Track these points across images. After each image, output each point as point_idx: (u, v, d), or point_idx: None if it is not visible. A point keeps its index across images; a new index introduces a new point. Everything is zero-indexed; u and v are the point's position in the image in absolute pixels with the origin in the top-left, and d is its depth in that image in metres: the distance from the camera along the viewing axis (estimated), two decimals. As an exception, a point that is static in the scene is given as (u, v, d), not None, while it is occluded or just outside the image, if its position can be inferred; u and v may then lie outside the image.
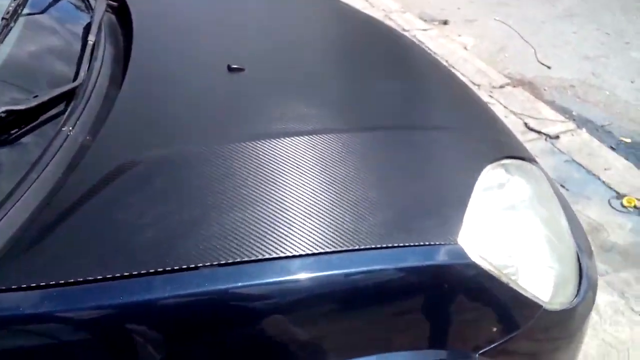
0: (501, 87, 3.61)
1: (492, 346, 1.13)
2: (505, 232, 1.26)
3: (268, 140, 1.19)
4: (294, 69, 1.55)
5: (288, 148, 1.18)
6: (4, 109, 1.06)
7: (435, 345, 1.09)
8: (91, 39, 1.41)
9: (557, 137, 3.13)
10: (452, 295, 1.08)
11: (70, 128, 1.17)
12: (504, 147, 1.49)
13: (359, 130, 1.33)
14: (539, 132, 3.17)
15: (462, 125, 1.53)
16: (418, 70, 1.79)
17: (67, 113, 1.21)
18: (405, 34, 3.89)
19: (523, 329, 1.17)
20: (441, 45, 4.13)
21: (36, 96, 1.15)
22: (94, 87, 1.32)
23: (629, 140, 3.13)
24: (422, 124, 1.48)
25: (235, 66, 1.44)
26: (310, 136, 1.23)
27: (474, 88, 3.38)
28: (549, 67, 3.84)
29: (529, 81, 3.71)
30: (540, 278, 1.21)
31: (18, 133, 1.11)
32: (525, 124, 3.24)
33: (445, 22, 4.52)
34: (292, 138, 1.21)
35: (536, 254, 1.26)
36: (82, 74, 1.30)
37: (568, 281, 1.28)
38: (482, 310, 1.12)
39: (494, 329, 1.14)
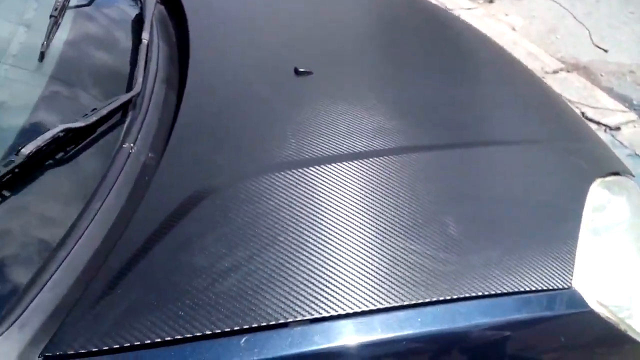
0: (554, 72, 3.39)
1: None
2: (612, 265, 1.11)
3: (346, 167, 1.05)
4: (362, 73, 1.39)
5: (374, 177, 1.04)
6: (62, 127, 0.93)
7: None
8: (145, 37, 1.26)
9: (617, 128, 2.93)
10: (569, 350, 0.94)
11: (132, 145, 1.04)
12: (602, 160, 1.33)
13: (439, 148, 1.18)
14: (597, 123, 2.97)
15: (551, 136, 1.36)
16: (492, 69, 1.62)
17: (126, 126, 1.08)
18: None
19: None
20: (487, 25, 3.89)
21: (94, 109, 1.02)
22: (152, 94, 1.18)
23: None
24: (506, 137, 1.32)
25: (302, 69, 1.29)
26: (393, 157, 1.09)
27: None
28: (605, 51, 3.60)
29: (584, 66, 3.48)
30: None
31: (77, 153, 0.99)
32: (583, 114, 3.03)
33: (491, 1, 4.27)
34: (372, 161, 1.07)
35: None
36: (138, 79, 1.16)
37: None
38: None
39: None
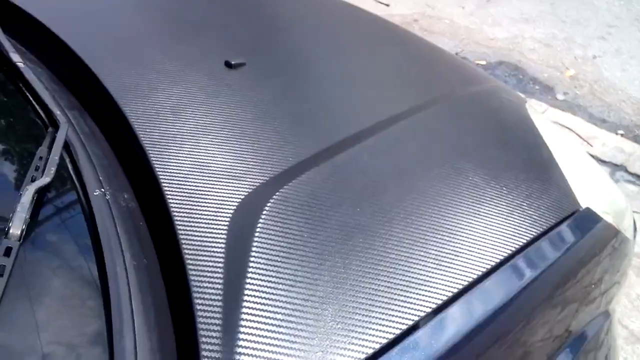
0: (355, 32, 3.58)
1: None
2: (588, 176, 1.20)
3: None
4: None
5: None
6: (33, 189, 0.69)
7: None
8: (17, 60, 0.98)
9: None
10: (591, 264, 1.01)
11: (102, 190, 0.80)
12: (507, 90, 1.43)
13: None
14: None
15: (458, 85, 1.42)
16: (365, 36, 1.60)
17: (75, 170, 0.83)
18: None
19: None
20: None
21: (41, 158, 0.77)
22: (75, 128, 0.93)
23: (484, 62, 3.37)
24: (419, 102, 1.32)
25: (235, 62, 1.13)
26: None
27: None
28: (387, 5, 3.92)
29: (374, 22, 3.74)
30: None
31: (55, 214, 0.73)
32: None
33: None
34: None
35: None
36: (55, 111, 0.89)
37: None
38: (614, 265, 1.08)
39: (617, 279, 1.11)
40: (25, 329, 0.62)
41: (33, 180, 0.73)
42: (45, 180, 0.71)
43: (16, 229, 0.64)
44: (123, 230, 0.75)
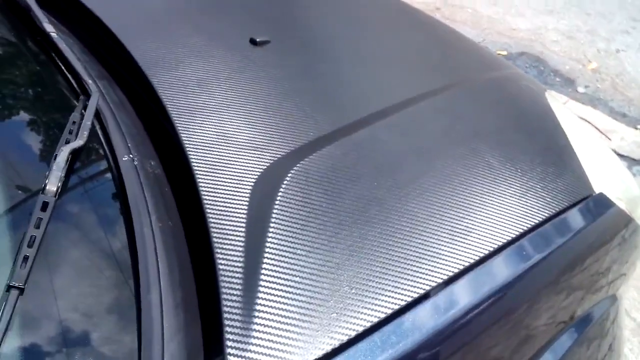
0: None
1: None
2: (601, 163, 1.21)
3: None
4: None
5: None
6: (68, 150, 0.73)
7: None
8: (51, 30, 1.02)
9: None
10: (601, 250, 1.03)
11: (130, 155, 0.84)
12: (525, 77, 1.44)
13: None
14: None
15: (477, 70, 1.44)
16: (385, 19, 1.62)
17: (105, 135, 0.87)
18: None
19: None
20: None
21: (74, 122, 0.80)
22: (103, 93, 0.97)
23: (505, 53, 3.36)
24: (439, 84, 1.34)
25: (260, 39, 1.16)
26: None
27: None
28: (410, -7, 3.90)
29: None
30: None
31: (87, 175, 0.77)
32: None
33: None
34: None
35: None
36: (88, 80, 0.94)
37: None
38: (624, 255, 1.10)
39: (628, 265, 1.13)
40: (58, 280, 0.66)
41: (67, 142, 0.76)
42: (79, 142, 0.75)
43: (52, 185, 0.68)
44: (150, 194, 0.79)
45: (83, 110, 0.84)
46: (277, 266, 0.71)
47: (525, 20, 3.68)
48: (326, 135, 0.96)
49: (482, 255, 0.82)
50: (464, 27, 3.59)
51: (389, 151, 0.96)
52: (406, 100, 1.12)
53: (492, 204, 0.92)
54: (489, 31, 3.57)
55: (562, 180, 1.03)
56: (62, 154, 0.71)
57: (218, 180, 0.82)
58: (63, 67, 1.01)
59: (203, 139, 0.89)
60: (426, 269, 0.77)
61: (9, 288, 0.57)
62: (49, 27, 1.06)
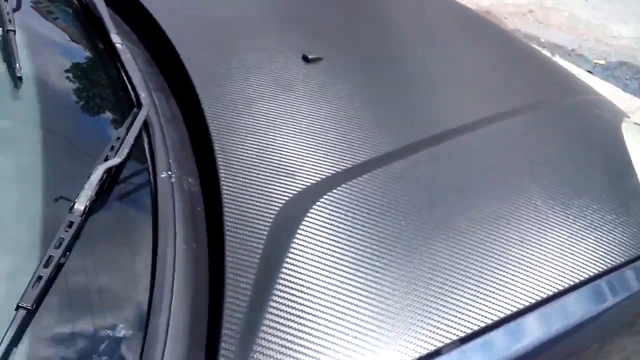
0: (464, 20, 3.45)
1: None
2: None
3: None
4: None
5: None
6: (103, 168, 0.76)
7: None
8: (117, 41, 1.07)
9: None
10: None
11: (169, 172, 0.86)
12: (607, 107, 1.33)
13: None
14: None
15: (552, 93, 1.34)
16: (467, 34, 1.55)
17: (150, 150, 0.90)
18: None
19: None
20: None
21: (118, 138, 0.83)
22: (157, 109, 0.99)
23: (603, 62, 3.13)
24: (512, 107, 1.26)
25: (312, 56, 1.15)
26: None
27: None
28: (502, -7, 3.74)
29: (486, 10, 3.59)
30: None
31: (119, 193, 0.80)
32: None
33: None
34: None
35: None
36: (141, 93, 0.96)
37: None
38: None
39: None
40: (66, 299, 0.69)
41: (106, 159, 0.80)
42: (116, 160, 0.78)
43: (81, 204, 0.71)
44: (181, 213, 0.80)
45: (129, 125, 0.87)
46: (281, 309, 0.71)
47: (628, 28, 3.41)
48: (377, 158, 0.94)
49: (553, 292, 0.81)
50: (558, 32, 3.38)
51: (455, 177, 0.95)
52: (464, 126, 1.08)
53: (564, 242, 0.89)
54: (586, 37, 3.34)
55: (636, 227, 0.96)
56: (97, 173, 0.74)
57: (243, 203, 0.82)
58: (125, 78, 1.05)
59: (238, 159, 0.89)
60: (497, 299, 0.77)
61: (18, 307, 0.60)
62: (116, 38, 1.10)
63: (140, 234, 0.79)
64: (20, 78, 0.89)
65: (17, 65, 0.90)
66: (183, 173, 0.89)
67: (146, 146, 0.92)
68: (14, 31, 0.96)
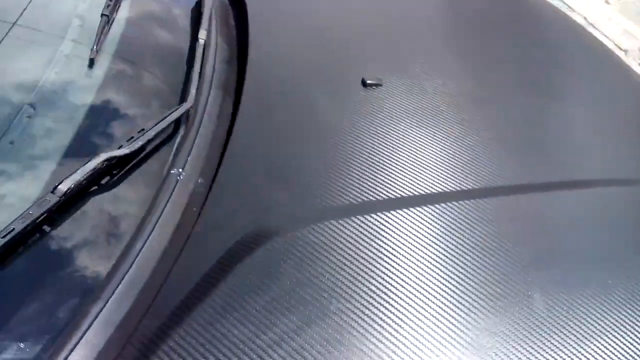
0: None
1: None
2: None
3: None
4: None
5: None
6: (104, 157, 0.83)
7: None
8: (202, 36, 1.13)
9: None
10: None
11: (180, 170, 0.92)
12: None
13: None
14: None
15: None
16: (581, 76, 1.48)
17: (175, 147, 0.97)
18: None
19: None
20: (576, -3, 3.50)
21: (142, 130, 0.90)
22: (206, 106, 1.06)
23: None
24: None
25: (371, 81, 1.17)
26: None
27: (620, 54, 2.91)
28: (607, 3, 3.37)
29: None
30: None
31: (119, 183, 0.89)
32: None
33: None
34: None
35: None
36: (191, 90, 1.03)
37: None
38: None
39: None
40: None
41: (120, 148, 0.85)
42: (122, 151, 0.84)
43: (64, 186, 0.75)
44: (170, 209, 0.86)
45: (160, 121, 0.93)
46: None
47: None
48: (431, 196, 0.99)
49: None
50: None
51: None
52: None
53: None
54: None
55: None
56: (95, 160, 0.80)
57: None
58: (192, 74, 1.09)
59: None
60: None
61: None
62: (202, 34, 1.16)
63: (119, 228, 0.84)
64: (92, 60, 1.00)
65: (94, 47, 1.00)
66: (195, 173, 0.94)
67: (177, 141, 0.98)
68: (108, 16, 1.06)
